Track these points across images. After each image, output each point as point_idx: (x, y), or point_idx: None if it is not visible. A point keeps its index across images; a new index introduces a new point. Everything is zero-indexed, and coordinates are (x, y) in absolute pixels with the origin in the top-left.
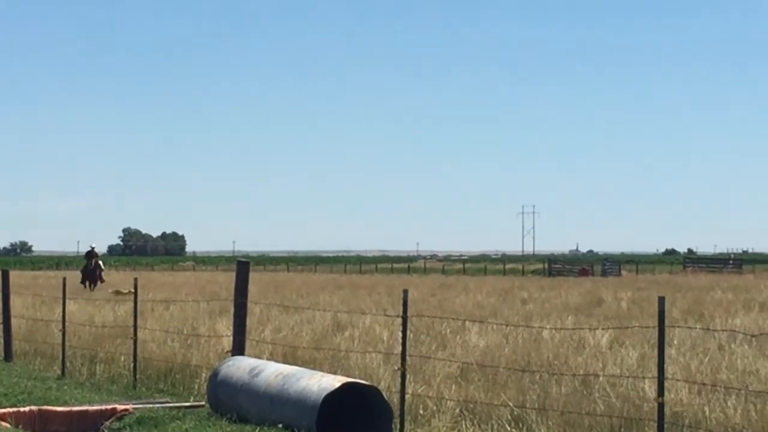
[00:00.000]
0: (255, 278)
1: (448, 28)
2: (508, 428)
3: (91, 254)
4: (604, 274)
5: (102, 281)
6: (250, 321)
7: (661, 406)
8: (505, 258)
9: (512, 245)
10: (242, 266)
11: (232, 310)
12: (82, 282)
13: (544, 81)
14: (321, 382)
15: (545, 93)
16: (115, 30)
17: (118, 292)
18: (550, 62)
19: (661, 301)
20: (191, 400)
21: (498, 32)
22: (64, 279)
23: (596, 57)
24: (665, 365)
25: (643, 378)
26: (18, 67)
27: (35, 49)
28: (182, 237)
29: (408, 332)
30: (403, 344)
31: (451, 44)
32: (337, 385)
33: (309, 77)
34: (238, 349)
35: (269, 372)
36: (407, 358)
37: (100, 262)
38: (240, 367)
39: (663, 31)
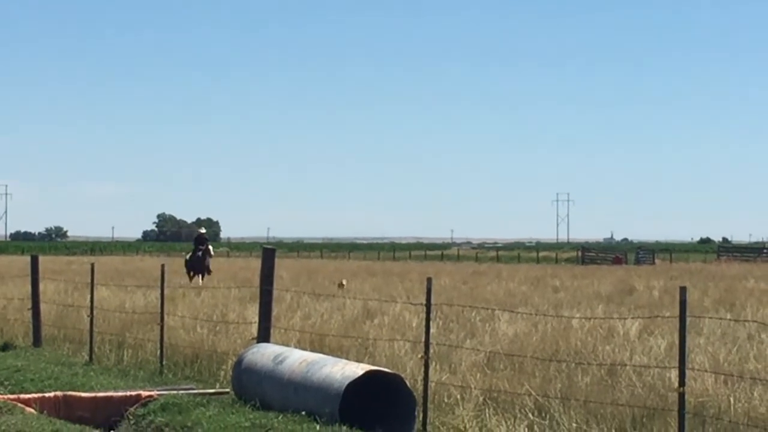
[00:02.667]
0: (288, 264)
1: (482, 15)
2: (531, 417)
3: (200, 240)
4: (637, 262)
5: (209, 272)
6: (280, 308)
7: (682, 396)
8: (539, 246)
9: (546, 233)
10: (268, 253)
11: None
12: (189, 274)
13: (580, 68)
14: (344, 370)
15: (581, 80)
16: (145, 10)
17: (341, 285)
18: (586, 49)
19: (683, 291)
20: (217, 386)
21: (534, 20)
22: (93, 264)
23: (633, 43)
24: (692, 355)
25: (670, 368)
26: (54, 51)
27: (69, 34)
28: (217, 223)
29: (434, 320)
30: (427, 332)
31: (488, 32)
32: (360, 372)
33: (343, 63)
34: (263, 336)
35: (293, 359)
36: (433, 346)
37: (210, 248)
38: (264, 354)
39: (698, 15)
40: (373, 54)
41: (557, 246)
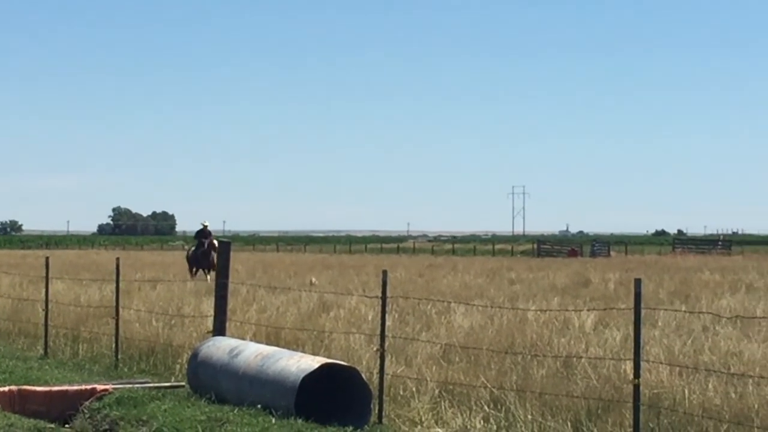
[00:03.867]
0: (244, 258)
1: (438, 8)
2: (487, 409)
3: (203, 233)
4: (593, 254)
5: (215, 268)
6: (236, 301)
7: (636, 388)
8: (495, 238)
9: (502, 226)
10: (223, 246)
11: None
12: (192, 270)
13: (536, 61)
14: (300, 363)
15: (537, 73)
16: (104, 6)
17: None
18: (540, 40)
19: (638, 283)
20: (172, 380)
21: (488, 12)
22: (47, 258)
23: (586, 34)
24: (647, 347)
25: (625, 360)
26: (5, 44)
27: (21, 27)
28: (172, 216)
29: (390, 313)
30: (382, 325)
31: (440, 25)
32: (316, 366)
33: (299, 57)
34: (219, 329)
35: (249, 352)
36: (389, 339)
37: (215, 242)
38: (220, 347)
39: (659, 11)
40: (327, 45)
41: (513, 239)
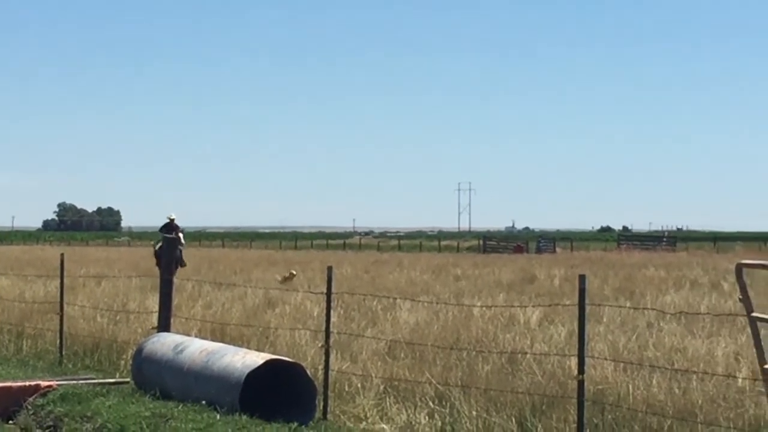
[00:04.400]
0: (189, 254)
1: (379, 6)
2: (432, 405)
3: (169, 227)
4: (538, 251)
5: (182, 265)
6: (181, 297)
7: (581, 384)
8: (441, 235)
9: (448, 222)
10: (168, 242)
11: None
12: (159, 265)
13: (480, 58)
14: (245, 359)
15: (482, 71)
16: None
17: (284, 279)
18: (485, 38)
19: (582, 279)
20: (117, 376)
21: (428, 11)
22: None
23: (530, 33)
24: (591, 343)
25: (570, 356)
26: None
27: None
28: (118, 212)
29: (335, 309)
30: (327, 321)
31: (381, 24)
32: (261, 362)
33: (240, 54)
34: (164, 325)
35: (194, 348)
36: (334, 335)
37: (181, 236)
38: (165, 343)
39: (594, 7)
40: (270, 46)
41: (459, 235)
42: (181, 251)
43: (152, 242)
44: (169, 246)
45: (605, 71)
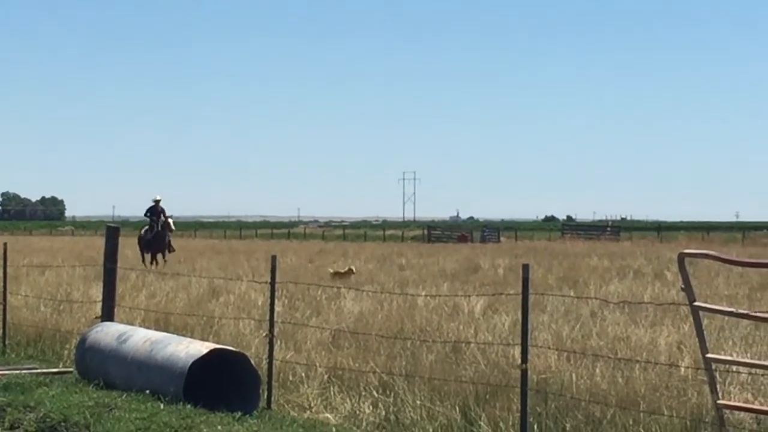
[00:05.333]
0: (133, 243)
1: None
2: (376, 395)
3: (155, 211)
4: (483, 240)
5: (171, 250)
6: (125, 287)
7: (524, 373)
8: (386, 224)
9: (393, 211)
10: (112, 231)
11: None
12: (144, 255)
13: (424, 45)
14: (189, 349)
15: (424, 57)
16: None
17: (337, 274)
18: (427, 25)
19: (525, 268)
20: (60, 366)
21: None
22: None
23: (476, 20)
24: (535, 332)
25: (513, 345)
26: None
27: None
28: (62, 202)
29: (279, 298)
30: (271, 311)
31: (324, 8)
32: (205, 351)
33: (185, 40)
34: (108, 314)
35: (137, 338)
36: (278, 324)
37: (171, 222)
38: (108, 333)
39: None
40: (213, 30)
41: (403, 224)
42: (169, 236)
43: (139, 230)
44: (156, 235)
45: (546, 58)
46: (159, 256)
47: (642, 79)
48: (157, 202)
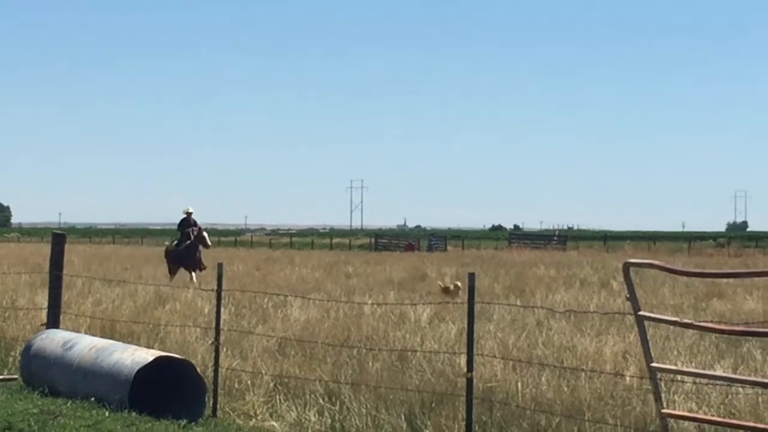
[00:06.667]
0: (79, 250)
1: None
2: (322, 402)
3: (187, 223)
4: (430, 249)
5: (203, 268)
6: (71, 294)
7: (470, 382)
8: (333, 232)
9: (340, 219)
10: (58, 238)
11: None
12: (172, 269)
13: (373, 55)
14: (134, 356)
15: (373, 67)
16: None
17: (447, 290)
18: (373, 34)
19: (471, 277)
20: (5, 373)
21: (320, 6)
22: None
23: (418, 28)
24: (481, 341)
25: (459, 353)
26: None
27: None
28: (7, 208)
29: (226, 306)
30: (217, 318)
31: (277, 18)
32: (150, 359)
33: (133, 51)
34: (53, 322)
35: (83, 345)
36: (224, 332)
37: (206, 235)
38: (54, 340)
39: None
40: (153, 41)
41: (351, 233)
42: (200, 252)
43: (166, 243)
44: (188, 248)
45: (495, 68)
46: (194, 272)
47: (589, 90)
48: (189, 214)
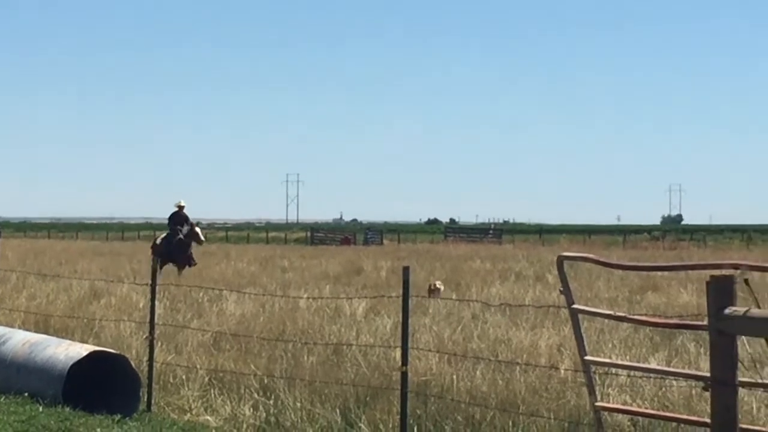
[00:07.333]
0: (13, 245)
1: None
2: (257, 397)
3: (179, 218)
4: (366, 243)
5: (193, 264)
6: (5, 288)
7: (404, 375)
8: (269, 226)
9: (276, 213)
10: (179, 242)
11: None
12: (159, 263)
13: (308, 48)
14: (68, 351)
15: (308, 59)
16: None
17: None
18: (312, 30)
19: (406, 271)
20: None
21: (241, 5)
22: None
23: (360, 24)
24: (417, 334)
25: (394, 347)
26: None
27: None
28: None
29: (161, 301)
30: (152, 313)
31: (204, 11)
32: (84, 353)
33: (80, 45)
34: None
35: (16, 340)
36: (159, 326)
37: (199, 231)
38: None
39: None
40: (108, 38)
41: (287, 227)
42: (191, 249)
43: (157, 235)
44: (177, 244)
45: (428, 61)
46: (183, 268)
47: (524, 84)
48: (180, 208)
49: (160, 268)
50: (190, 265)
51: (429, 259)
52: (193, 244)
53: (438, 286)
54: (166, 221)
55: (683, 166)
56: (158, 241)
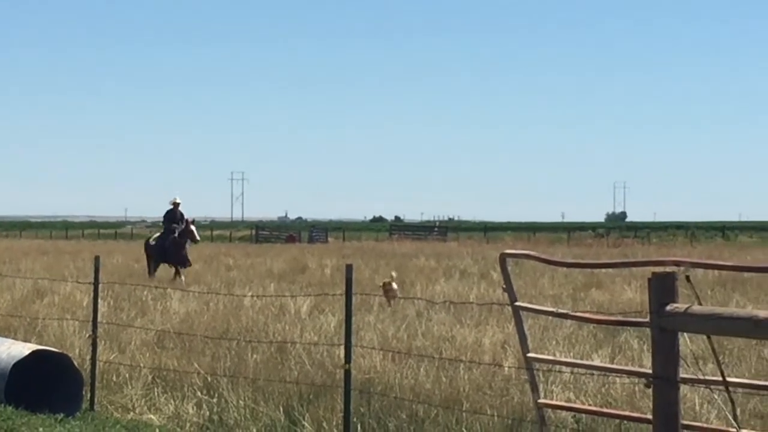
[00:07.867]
0: None
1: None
2: (200, 395)
3: (174, 217)
4: (311, 241)
5: (188, 264)
6: None
7: (347, 373)
8: (214, 224)
9: (221, 211)
10: (174, 240)
11: None
12: (151, 264)
13: (251, 47)
14: (10, 350)
15: (252, 59)
16: None
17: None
18: (257, 28)
19: (349, 269)
20: None
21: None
22: None
23: (311, 21)
24: (361, 332)
25: (338, 345)
26: None
27: None
28: None
29: (104, 299)
30: (95, 311)
31: (152, 11)
32: (27, 352)
33: (39, 42)
34: None
35: None
36: (103, 325)
37: (194, 229)
38: None
39: None
40: (70, 33)
41: (232, 224)
42: (187, 248)
43: (151, 237)
44: (172, 243)
45: (373, 61)
46: (181, 269)
47: (468, 81)
48: (176, 205)
49: (154, 269)
50: (184, 266)
51: (374, 257)
52: (189, 242)
53: (394, 286)
54: (161, 221)
55: (627, 164)
56: (151, 241)
